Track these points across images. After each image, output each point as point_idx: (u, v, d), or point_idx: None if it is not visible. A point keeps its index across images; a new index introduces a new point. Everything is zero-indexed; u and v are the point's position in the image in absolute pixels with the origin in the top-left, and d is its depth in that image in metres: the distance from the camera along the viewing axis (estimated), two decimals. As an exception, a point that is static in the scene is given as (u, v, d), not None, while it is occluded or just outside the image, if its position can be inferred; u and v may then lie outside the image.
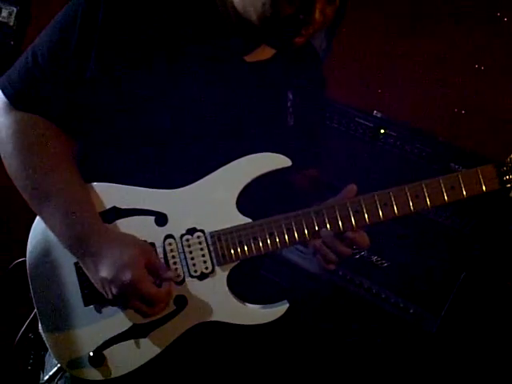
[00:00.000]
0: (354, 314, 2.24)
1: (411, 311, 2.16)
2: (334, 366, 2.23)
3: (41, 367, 1.55)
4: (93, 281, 1.35)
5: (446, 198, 1.38)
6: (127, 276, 1.29)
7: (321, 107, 1.71)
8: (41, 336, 1.45)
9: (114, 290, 1.31)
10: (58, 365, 1.45)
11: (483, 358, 2.06)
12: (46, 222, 1.39)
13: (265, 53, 1.48)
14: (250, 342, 1.60)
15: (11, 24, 2.74)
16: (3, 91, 1.40)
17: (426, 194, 1.38)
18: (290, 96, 1.51)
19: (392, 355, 2.15)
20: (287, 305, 1.42)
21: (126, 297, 1.32)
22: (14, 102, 1.38)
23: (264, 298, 1.46)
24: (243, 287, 1.47)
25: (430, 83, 2.59)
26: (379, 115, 2.34)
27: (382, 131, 2.29)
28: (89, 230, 1.34)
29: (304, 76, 1.58)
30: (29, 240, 1.44)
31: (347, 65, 2.69)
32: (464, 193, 1.38)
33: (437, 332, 2.11)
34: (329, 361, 2.24)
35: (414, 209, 1.39)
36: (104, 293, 1.34)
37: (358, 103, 2.39)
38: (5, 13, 2.75)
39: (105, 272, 1.31)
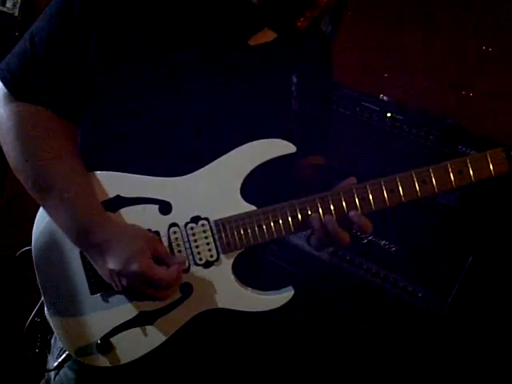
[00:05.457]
0: (363, 299, 2.24)
1: (420, 295, 2.16)
2: (341, 351, 2.23)
3: (48, 350, 1.55)
4: (100, 272, 1.35)
5: (453, 183, 1.36)
6: (135, 267, 1.27)
7: (327, 91, 1.66)
8: (47, 320, 1.45)
9: (124, 282, 1.30)
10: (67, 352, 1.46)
11: (492, 341, 2.06)
12: (49, 214, 1.38)
13: (268, 34, 1.42)
14: (256, 329, 1.60)
15: (16, 15, 2.74)
16: (2, 81, 1.36)
17: (434, 180, 1.36)
18: (295, 79, 1.47)
19: (401, 339, 2.15)
20: (292, 291, 1.42)
21: (136, 287, 1.31)
22: (13, 92, 1.35)
23: (271, 284, 1.46)
24: (249, 273, 1.46)
25: (437, 66, 2.55)
26: (386, 99, 2.31)
27: (389, 115, 2.27)
28: (92, 222, 1.33)
29: (309, 58, 1.53)
30: (34, 228, 1.44)
31: (353, 48, 2.66)
32: (472, 177, 1.35)
33: (445, 315, 2.10)
34: (336, 346, 2.24)
35: (421, 195, 1.36)
36: (113, 284, 1.33)
37: (364, 87, 2.36)
38: (9, 3, 2.74)
39: (112, 264, 1.30)
